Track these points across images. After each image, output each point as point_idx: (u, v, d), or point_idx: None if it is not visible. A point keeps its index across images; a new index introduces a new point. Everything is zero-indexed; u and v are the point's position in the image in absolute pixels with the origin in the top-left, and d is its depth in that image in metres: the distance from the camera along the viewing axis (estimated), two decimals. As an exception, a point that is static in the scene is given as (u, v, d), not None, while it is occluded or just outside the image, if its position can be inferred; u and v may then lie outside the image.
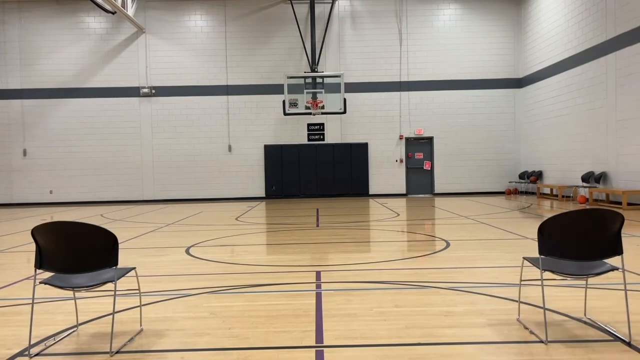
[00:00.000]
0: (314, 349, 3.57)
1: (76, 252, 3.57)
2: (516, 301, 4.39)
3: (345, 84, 18.61)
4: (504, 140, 20.46)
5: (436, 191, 20.47)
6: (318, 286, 5.46)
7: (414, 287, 5.31)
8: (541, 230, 3.64)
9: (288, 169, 20.24)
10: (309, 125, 20.23)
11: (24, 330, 4.03)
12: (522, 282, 4.16)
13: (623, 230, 3.57)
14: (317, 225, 11.08)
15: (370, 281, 5.65)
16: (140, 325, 4.10)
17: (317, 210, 14.99)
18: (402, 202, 17.60)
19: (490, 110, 20.37)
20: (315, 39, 19.51)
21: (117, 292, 3.64)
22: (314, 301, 4.80)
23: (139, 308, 4.31)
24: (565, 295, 4.79)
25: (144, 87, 20.15)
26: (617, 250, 3.55)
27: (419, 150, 20.64)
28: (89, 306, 4.72)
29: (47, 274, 3.74)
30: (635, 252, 7.08)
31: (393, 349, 3.53)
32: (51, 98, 20.15)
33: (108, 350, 3.58)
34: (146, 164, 20.31)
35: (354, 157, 20.28)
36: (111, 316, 3.65)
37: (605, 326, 3.86)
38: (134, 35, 20.15)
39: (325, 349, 3.56)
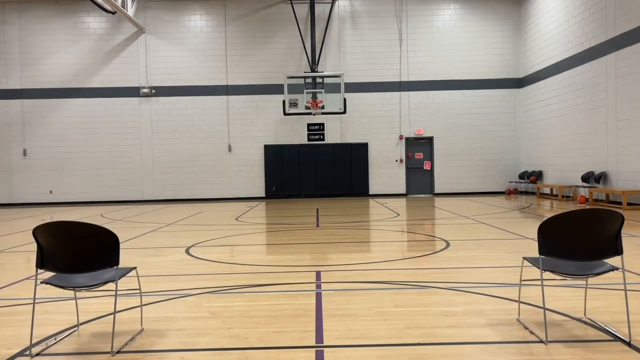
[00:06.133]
0: (314, 349, 3.57)
1: (77, 251, 3.58)
2: (516, 301, 4.40)
3: (345, 84, 18.60)
4: (504, 140, 20.46)
5: (436, 191, 20.47)
6: (318, 286, 5.46)
7: (414, 287, 5.31)
8: (541, 230, 3.65)
9: (288, 169, 20.24)
10: (309, 125, 20.24)
11: (25, 330, 4.04)
12: (522, 282, 4.17)
13: (623, 230, 3.58)
14: (317, 225, 11.09)
15: (370, 281, 5.65)
16: (141, 325, 4.11)
17: (317, 210, 14.99)
18: (402, 202, 17.60)
19: (490, 110, 20.37)
20: (315, 39, 19.51)
21: (118, 292, 3.65)
22: (314, 301, 4.80)
23: (139, 308, 4.32)
24: (565, 295, 4.79)
25: (144, 87, 20.15)
26: (617, 250, 3.56)
27: (419, 150, 20.64)
28: (89, 306, 4.72)
29: (48, 274, 3.74)
30: (635, 252, 7.08)
31: (393, 349, 3.53)
32: (51, 98, 20.15)
33: (109, 350, 3.58)
34: (146, 164, 20.32)
35: (354, 157, 20.28)
36: (111, 316, 3.65)
37: (605, 326, 3.86)
38: (134, 35, 20.15)
39: (325, 349, 3.56)
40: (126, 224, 12.23)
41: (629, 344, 3.51)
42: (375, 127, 20.32)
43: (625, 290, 3.66)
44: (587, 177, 15.22)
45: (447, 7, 20.26)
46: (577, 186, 15.89)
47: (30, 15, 20.11)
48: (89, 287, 3.69)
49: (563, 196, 16.62)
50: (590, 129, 15.44)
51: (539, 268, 3.69)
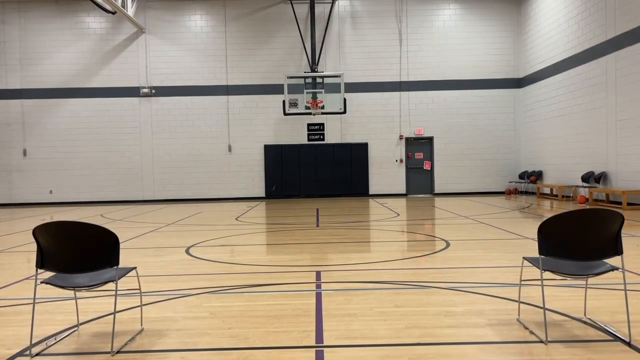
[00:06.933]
0: (314, 349, 3.57)
1: (77, 251, 3.58)
2: (516, 301, 4.40)
3: (345, 84, 18.60)
4: (504, 140, 20.46)
5: (436, 191, 20.47)
6: (318, 286, 5.46)
7: (414, 287, 5.31)
8: (541, 230, 3.65)
9: (288, 169, 20.24)
10: (309, 125, 20.24)
11: (24, 330, 4.04)
12: (522, 282, 4.17)
13: (623, 230, 3.58)
14: (317, 225, 11.09)
15: (370, 281, 5.65)
16: (141, 325, 4.11)
17: (317, 210, 14.99)
18: (402, 202, 17.60)
19: (490, 110, 20.37)
20: (315, 39, 19.52)
21: (118, 292, 3.65)
22: (314, 301, 4.80)
23: (139, 308, 4.32)
24: (565, 295, 4.79)
25: (144, 87, 20.15)
26: (617, 250, 3.56)
27: (419, 150, 20.64)
28: (89, 306, 4.72)
29: (48, 274, 3.74)
30: (635, 252, 7.08)
31: (393, 349, 3.53)
32: (51, 98, 20.15)
33: (109, 350, 3.58)
34: (146, 164, 20.32)
35: (354, 157, 20.28)
36: (111, 316, 3.65)
37: (605, 326, 3.86)
38: (134, 35, 20.15)
39: (325, 349, 3.56)
40: (126, 224, 12.22)
41: (629, 344, 3.51)
42: (375, 127, 20.32)
43: (625, 290, 3.66)
44: (587, 177, 15.22)
45: (447, 7, 20.26)
46: (577, 186, 15.89)
47: (30, 15, 20.11)
48: (89, 287, 3.69)
49: (563, 196, 16.62)
50: (590, 129, 15.44)
51: (539, 268, 3.69)
